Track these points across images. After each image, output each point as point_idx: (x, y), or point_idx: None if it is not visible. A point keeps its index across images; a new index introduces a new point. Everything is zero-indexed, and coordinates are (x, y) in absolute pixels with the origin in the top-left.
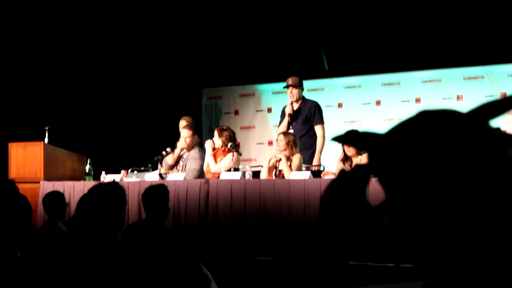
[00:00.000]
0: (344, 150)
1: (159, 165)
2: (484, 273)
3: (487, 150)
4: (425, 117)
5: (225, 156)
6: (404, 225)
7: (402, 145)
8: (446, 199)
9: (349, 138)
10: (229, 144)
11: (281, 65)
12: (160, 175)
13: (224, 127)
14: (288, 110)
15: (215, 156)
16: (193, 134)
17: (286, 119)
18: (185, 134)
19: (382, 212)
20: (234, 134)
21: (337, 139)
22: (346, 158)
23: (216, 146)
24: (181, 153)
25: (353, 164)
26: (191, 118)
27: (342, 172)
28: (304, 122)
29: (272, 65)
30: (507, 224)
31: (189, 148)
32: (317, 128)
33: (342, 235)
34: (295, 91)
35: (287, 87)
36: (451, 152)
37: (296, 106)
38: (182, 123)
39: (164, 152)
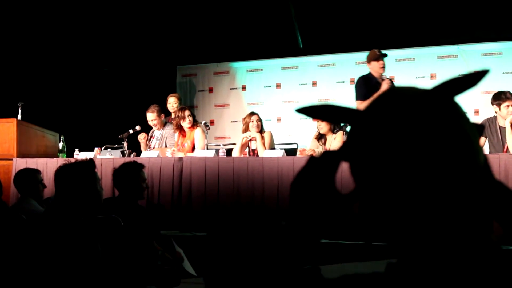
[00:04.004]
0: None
1: (124, 143)
2: (446, 252)
3: (448, 131)
4: (394, 98)
5: (191, 133)
6: (373, 210)
7: (372, 129)
8: (409, 182)
9: (321, 112)
10: (203, 122)
11: (256, 43)
12: (122, 152)
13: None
14: (387, 83)
15: (183, 136)
16: (158, 115)
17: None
18: (148, 118)
19: (351, 200)
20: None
21: (309, 112)
22: (320, 136)
23: (188, 126)
24: (152, 132)
25: (327, 141)
26: (178, 96)
27: (311, 159)
28: None
29: (247, 42)
30: (469, 209)
31: (160, 127)
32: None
33: (311, 221)
34: (384, 63)
35: (378, 59)
36: (414, 136)
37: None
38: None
39: (131, 130)
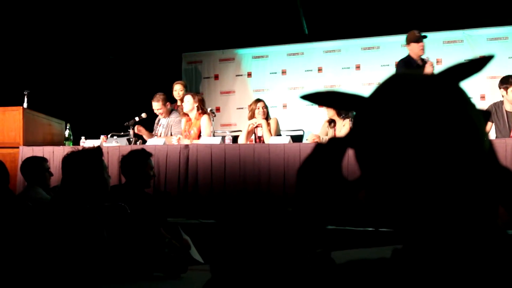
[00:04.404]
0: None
1: (130, 130)
2: (451, 240)
3: (453, 117)
4: (399, 83)
5: (197, 120)
6: (378, 197)
7: (376, 116)
8: (413, 169)
9: (326, 99)
10: (209, 109)
11: (261, 30)
12: (129, 139)
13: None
14: (429, 70)
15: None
16: (163, 104)
17: None
18: (154, 107)
19: (357, 187)
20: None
21: (313, 98)
22: (331, 120)
23: (185, 111)
24: (159, 120)
25: (337, 127)
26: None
27: (317, 145)
28: None
29: (252, 29)
30: (474, 195)
31: (166, 115)
32: None
33: (318, 207)
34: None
35: (418, 40)
36: (419, 122)
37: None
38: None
39: (137, 118)
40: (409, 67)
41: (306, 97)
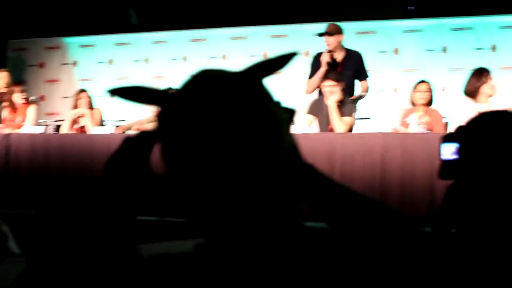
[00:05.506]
0: None
1: None
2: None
3: (252, 113)
4: (203, 80)
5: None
6: (181, 192)
7: (178, 112)
8: (212, 166)
9: (131, 94)
10: (31, 98)
11: (89, 18)
12: None
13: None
14: (325, 59)
15: (13, 112)
16: None
17: (323, 69)
18: None
19: (165, 181)
20: None
21: (115, 92)
22: None
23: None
24: None
25: None
26: None
27: (126, 138)
28: (350, 76)
29: (79, 17)
30: (273, 190)
31: None
32: (364, 83)
33: (124, 200)
34: (331, 40)
35: (321, 35)
36: (218, 119)
37: (340, 56)
38: None
39: None
40: (316, 59)
41: (113, 92)
